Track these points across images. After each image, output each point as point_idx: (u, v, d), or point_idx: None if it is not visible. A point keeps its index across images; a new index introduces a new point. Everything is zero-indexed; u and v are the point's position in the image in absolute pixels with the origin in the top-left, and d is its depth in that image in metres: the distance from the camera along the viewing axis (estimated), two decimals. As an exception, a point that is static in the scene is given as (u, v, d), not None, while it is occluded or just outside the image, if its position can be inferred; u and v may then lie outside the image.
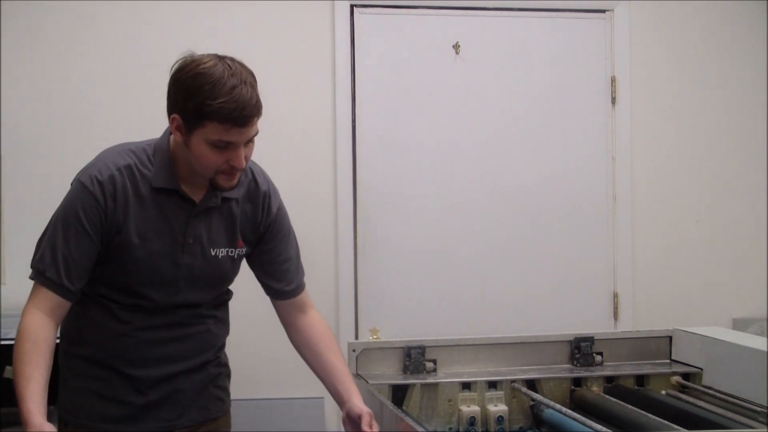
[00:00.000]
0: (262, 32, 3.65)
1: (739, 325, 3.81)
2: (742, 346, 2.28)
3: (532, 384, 2.37)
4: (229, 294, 2.10)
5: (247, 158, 1.85)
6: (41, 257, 1.85)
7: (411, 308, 3.72)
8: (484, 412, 2.29)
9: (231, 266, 2.01)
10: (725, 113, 3.93)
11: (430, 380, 2.33)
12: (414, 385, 2.31)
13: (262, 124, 1.83)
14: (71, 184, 1.90)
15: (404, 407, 2.28)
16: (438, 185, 3.75)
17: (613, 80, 3.84)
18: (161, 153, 1.90)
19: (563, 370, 2.46)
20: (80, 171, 1.90)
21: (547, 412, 2.20)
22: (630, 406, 2.16)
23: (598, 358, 2.49)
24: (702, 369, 2.41)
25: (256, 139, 1.85)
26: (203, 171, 1.85)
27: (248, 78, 1.79)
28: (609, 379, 2.42)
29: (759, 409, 2.08)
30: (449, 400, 2.31)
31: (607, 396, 2.34)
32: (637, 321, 3.82)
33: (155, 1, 3.57)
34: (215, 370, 2.07)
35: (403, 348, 2.40)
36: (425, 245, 3.74)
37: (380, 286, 3.72)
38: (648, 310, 3.85)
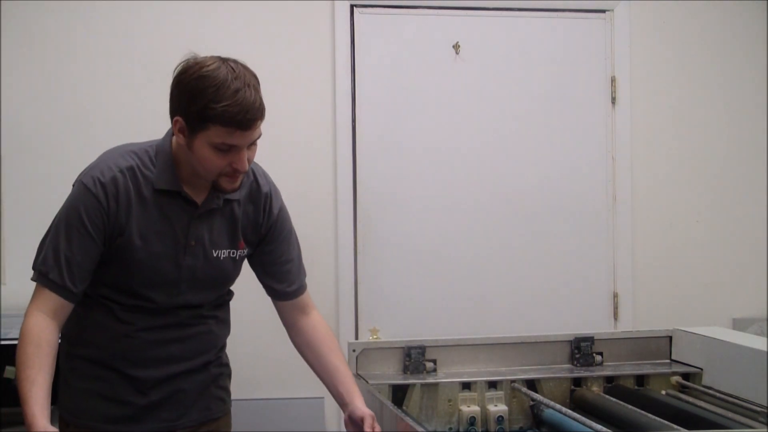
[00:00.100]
0: (262, 32, 3.65)
1: (739, 325, 3.81)
2: (742, 346, 2.28)
3: (532, 384, 2.37)
4: (230, 294, 2.10)
5: (249, 160, 1.85)
6: (44, 259, 1.84)
7: (411, 308, 3.73)
8: (484, 412, 2.29)
9: (232, 267, 2.01)
10: (725, 113, 3.93)
11: (430, 380, 2.33)
12: (414, 385, 2.31)
13: (262, 124, 1.83)
14: (73, 186, 1.90)
15: (404, 407, 2.28)
16: (438, 185, 3.75)
17: (613, 80, 3.84)
18: (163, 154, 1.89)
19: (563, 370, 2.46)
20: (82, 172, 1.90)
21: (547, 412, 2.20)
22: (630, 406, 2.16)
23: (598, 358, 2.49)
24: (702, 369, 2.41)
25: (256, 139, 1.86)
26: (206, 173, 1.85)
27: (251, 81, 1.79)
28: (609, 379, 2.42)
29: (759, 409, 2.08)
30: (449, 400, 2.31)
31: (607, 396, 2.34)
32: (637, 321, 3.82)
33: (155, 1, 3.57)
34: (216, 371, 2.07)
35: (403, 348, 2.40)
36: (425, 245, 3.74)
37: (380, 286, 3.72)
38: (648, 310, 3.85)
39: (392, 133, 3.73)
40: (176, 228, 1.90)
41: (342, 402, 1.97)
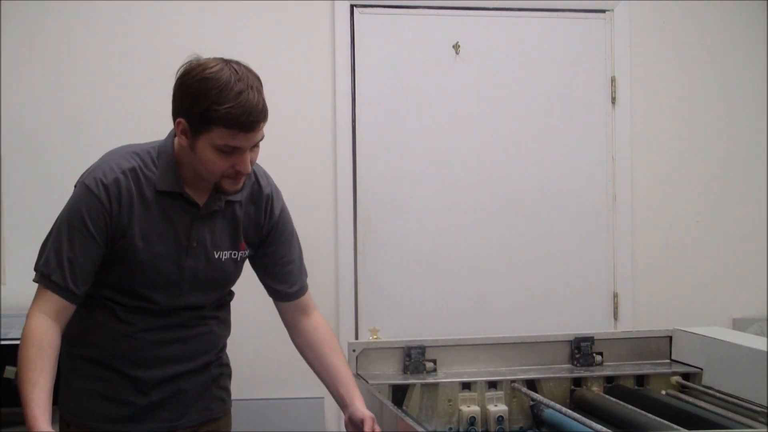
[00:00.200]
0: (262, 32, 3.65)
1: (739, 325, 3.81)
2: (742, 346, 2.28)
3: (532, 384, 2.37)
4: (231, 295, 2.10)
5: (252, 162, 1.85)
6: (46, 261, 1.84)
7: (411, 308, 3.73)
8: (484, 412, 2.29)
9: (234, 269, 2.01)
10: (725, 113, 3.93)
11: (430, 380, 2.33)
12: (414, 385, 2.31)
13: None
14: (75, 187, 1.89)
15: (404, 407, 2.28)
16: (438, 185, 3.75)
17: (613, 80, 3.84)
18: (165, 156, 1.89)
19: (563, 370, 2.45)
20: (84, 173, 1.90)
21: (547, 412, 2.20)
22: (630, 406, 2.16)
23: (598, 358, 2.49)
24: (702, 369, 2.41)
25: (257, 140, 1.85)
26: (208, 175, 1.84)
27: (254, 83, 1.78)
28: (609, 379, 2.42)
29: (759, 409, 2.08)
30: (449, 400, 2.31)
31: (607, 396, 2.34)
32: (637, 321, 3.82)
33: (155, 1, 3.57)
34: (217, 371, 2.08)
35: (403, 348, 2.40)
36: (425, 245, 3.74)
37: (380, 286, 3.72)
38: (648, 310, 3.85)
39: (392, 133, 3.73)
40: (178, 229, 1.90)
41: (342, 403, 1.97)
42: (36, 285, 1.86)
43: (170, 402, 1.98)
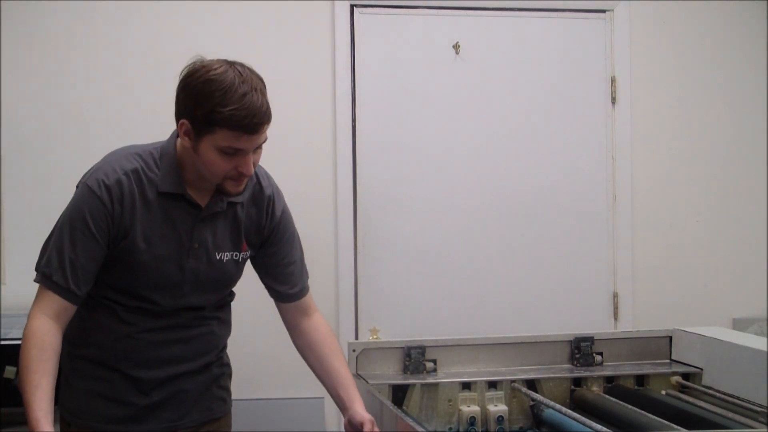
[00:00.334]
0: (262, 32, 3.64)
1: (739, 325, 3.81)
2: (742, 346, 2.28)
3: (532, 384, 2.37)
4: (231, 295, 2.10)
5: (254, 164, 1.86)
6: (48, 261, 1.84)
7: (411, 308, 3.72)
8: (484, 412, 2.29)
9: (235, 270, 2.01)
10: (725, 113, 3.93)
11: (430, 380, 2.33)
12: (414, 385, 2.31)
13: (264, 126, 1.83)
14: (77, 187, 1.89)
15: (404, 407, 2.28)
16: (438, 185, 3.75)
17: (613, 80, 3.84)
18: (168, 157, 1.89)
19: (563, 370, 2.46)
20: (86, 174, 1.90)
21: (547, 412, 2.20)
22: (630, 406, 2.16)
23: (598, 358, 2.49)
24: (702, 369, 2.41)
25: (258, 141, 1.85)
26: (211, 177, 1.84)
27: (258, 84, 1.78)
28: (609, 379, 2.42)
29: (759, 409, 2.08)
30: (449, 400, 2.31)
31: (607, 396, 2.34)
32: (637, 321, 3.82)
33: (155, 1, 3.57)
34: (218, 371, 2.08)
35: (403, 348, 2.40)
36: (425, 245, 3.74)
37: (380, 286, 3.72)
38: (648, 310, 3.84)
39: (392, 133, 3.72)
40: (180, 231, 1.90)
41: (342, 406, 1.97)
42: (37, 285, 1.86)
43: (171, 402, 1.98)
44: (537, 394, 2.29)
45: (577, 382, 2.41)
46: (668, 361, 2.53)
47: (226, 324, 2.10)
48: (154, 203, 1.88)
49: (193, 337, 1.99)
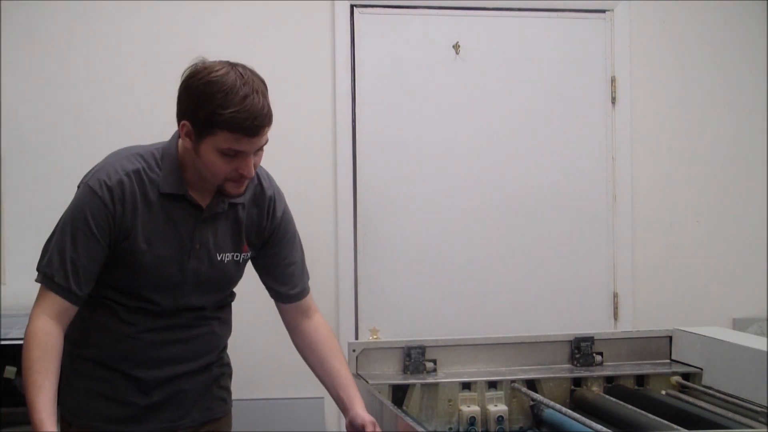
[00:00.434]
0: (262, 32, 3.64)
1: (739, 325, 3.81)
2: (742, 346, 2.28)
3: (532, 384, 2.37)
4: (232, 296, 2.10)
5: (255, 166, 1.85)
6: (49, 261, 1.84)
7: (411, 308, 3.73)
8: (484, 412, 2.29)
9: (236, 270, 2.01)
10: (725, 113, 3.93)
11: (430, 380, 2.33)
12: (414, 385, 2.31)
13: (265, 128, 1.82)
14: (78, 188, 1.89)
15: (404, 407, 2.28)
16: (438, 185, 3.75)
17: (613, 80, 3.84)
18: (169, 158, 1.89)
19: (563, 370, 2.45)
20: (87, 174, 1.90)
21: (547, 412, 2.20)
22: (630, 406, 2.16)
23: (598, 358, 2.49)
24: (702, 369, 2.41)
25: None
26: (212, 178, 1.84)
27: (260, 87, 1.78)
28: (609, 379, 2.42)
29: (759, 409, 2.08)
30: (449, 400, 2.31)
31: (607, 396, 2.34)
32: (637, 321, 3.82)
33: (155, 1, 3.57)
34: (218, 371, 2.08)
35: (403, 348, 2.40)
36: (425, 245, 3.74)
37: (380, 286, 3.72)
38: (648, 310, 3.84)
39: (392, 133, 3.73)
40: (181, 232, 1.90)
41: (342, 407, 1.98)
42: (37, 284, 1.86)
43: (171, 402, 1.98)
44: (537, 394, 2.29)
45: (577, 382, 2.41)
46: (668, 361, 2.53)
47: (226, 324, 2.10)
48: (156, 204, 1.88)
49: (193, 337, 1.99)
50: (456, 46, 3.75)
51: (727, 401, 2.20)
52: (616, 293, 3.86)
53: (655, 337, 2.56)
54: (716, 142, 3.93)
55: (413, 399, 2.30)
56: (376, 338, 3.53)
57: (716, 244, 3.93)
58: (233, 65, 1.79)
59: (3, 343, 2.88)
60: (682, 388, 2.39)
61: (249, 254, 2.02)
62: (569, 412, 2.08)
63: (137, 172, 1.87)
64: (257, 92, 1.76)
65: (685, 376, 2.42)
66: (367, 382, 2.28)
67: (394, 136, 3.73)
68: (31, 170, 3.50)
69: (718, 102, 3.93)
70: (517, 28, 3.80)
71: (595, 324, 3.73)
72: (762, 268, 3.91)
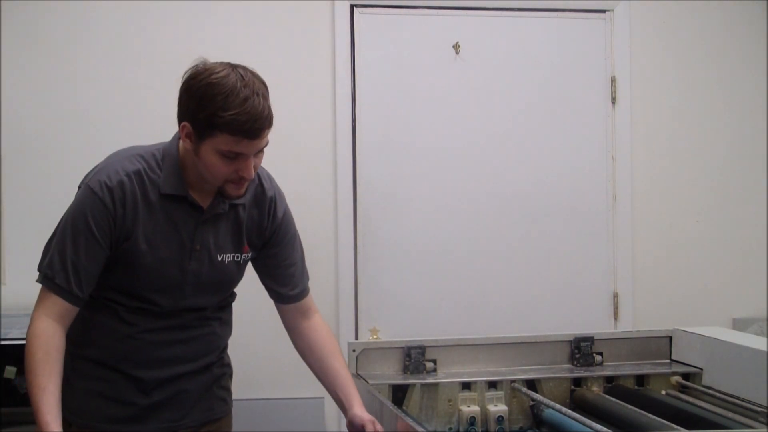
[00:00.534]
0: (262, 32, 3.64)
1: (739, 325, 3.81)
2: (742, 346, 2.28)
3: (532, 384, 2.37)
4: (233, 296, 2.10)
5: (256, 167, 1.85)
6: (50, 263, 1.84)
7: (411, 308, 3.73)
8: (484, 412, 2.29)
9: (237, 271, 2.01)
10: (725, 113, 3.93)
11: (430, 380, 2.33)
12: (414, 385, 2.31)
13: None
14: (79, 188, 1.89)
15: (404, 407, 2.28)
16: (438, 185, 3.75)
17: (613, 80, 3.84)
18: (170, 159, 1.89)
19: (563, 370, 2.45)
20: (88, 175, 1.90)
21: (547, 412, 2.20)
22: (630, 406, 2.16)
23: (598, 358, 2.49)
24: (702, 369, 2.41)
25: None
26: (212, 180, 1.84)
27: (260, 89, 1.78)
28: (609, 379, 2.42)
29: (759, 409, 2.08)
30: (449, 400, 2.31)
31: (607, 396, 2.34)
32: (637, 321, 3.82)
33: (155, 1, 3.57)
34: (219, 371, 2.08)
35: (403, 348, 2.40)
36: (425, 245, 3.74)
37: (380, 286, 3.72)
38: (648, 310, 3.84)
39: (392, 133, 3.73)
40: (182, 233, 1.90)
41: (342, 407, 1.98)
42: (37, 285, 1.86)
43: (172, 402, 1.98)
44: (537, 394, 2.29)
45: (577, 382, 2.41)
46: (668, 361, 2.53)
47: (227, 325, 2.10)
48: (156, 205, 1.88)
49: (194, 337, 1.99)
50: (456, 46, 3.75)
51: (727, 401, 2.20)
52: (616, 293, 3.86)
53: (655, 337, 2.56)
54: (716, 142, 3.93)
55: (413, 399, 2.30)
56: (376, 338, 3.53)
57: (716, 244, 3.93)
58: (234, 67, 1.79)
59: (3, 343, 2.87)
60: (682, 388, 2.39)
61: (250, 255, 2.02)
62: (569, 412, 2.08)
63: (138, 172, 1.87)
64: (258, 94, 1.76)
65: (685, 376, 2.42)
66: (367, 382, 2.28)
67: (394, 136, 3.73)
68: (31, 170, 3.50)
69: (718, 102, 3.93)
70: (517, 28, 3.80)
71: (595, 324, 3.73)
72: (762, 268, 3.91)
